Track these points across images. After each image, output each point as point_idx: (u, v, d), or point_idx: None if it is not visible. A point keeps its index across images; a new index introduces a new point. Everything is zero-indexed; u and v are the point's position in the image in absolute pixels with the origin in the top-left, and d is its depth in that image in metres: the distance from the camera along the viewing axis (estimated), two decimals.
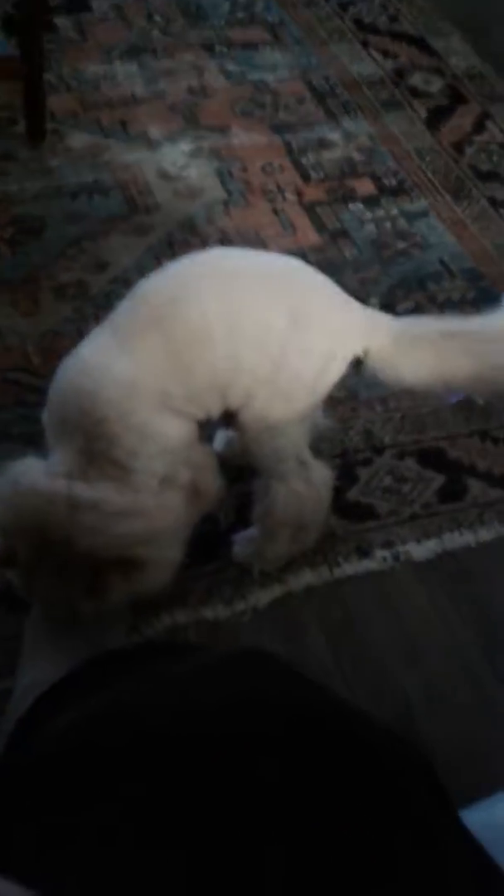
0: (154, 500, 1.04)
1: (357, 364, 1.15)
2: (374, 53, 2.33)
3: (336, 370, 1.13)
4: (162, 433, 1.07)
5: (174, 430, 1.09)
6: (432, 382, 1.16)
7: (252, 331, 1.08)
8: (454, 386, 1.19)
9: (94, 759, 0.65)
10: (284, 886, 0.58)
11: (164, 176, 1.89)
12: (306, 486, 1.19)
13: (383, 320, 1.18)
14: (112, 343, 1.07)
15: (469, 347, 1.14)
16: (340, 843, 0.60)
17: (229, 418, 1.16)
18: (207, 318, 1.06)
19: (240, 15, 2.39)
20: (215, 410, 1.14)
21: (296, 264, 1.17)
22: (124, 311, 1.10)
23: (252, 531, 1.27)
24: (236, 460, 1.29)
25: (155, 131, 2.00)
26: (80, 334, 1.23)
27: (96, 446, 1.02)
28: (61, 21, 2.26)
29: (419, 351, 1.15)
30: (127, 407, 1.04)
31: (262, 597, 1.26)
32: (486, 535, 1.38)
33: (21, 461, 1.05)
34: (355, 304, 1.17)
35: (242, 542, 1.28)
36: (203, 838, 0.60)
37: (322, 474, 1.21)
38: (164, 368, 1.06)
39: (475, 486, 1.45)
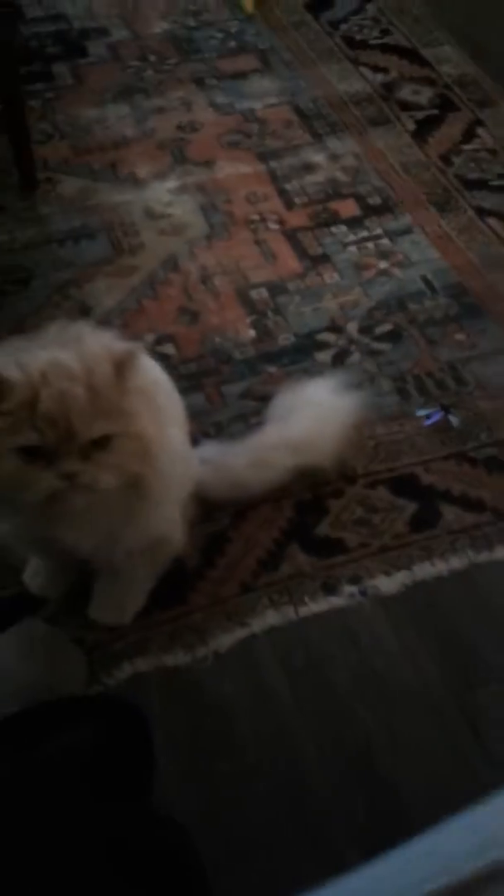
0: None
1: None
2: (364, 70, 2.23)
3: None
4: None
5: None
6: None
7: None
8: None
9: None
10: None
11: (150, 215, 1.85)
12: None
13: None
14: None
15: None
16: None
17: None
18: None
19: (231, 44, 2.32)
20: None
21: None
22: None
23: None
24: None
25: (143, 171, 1.95)
26: None
27: None
28: (58, 68, 2.24)
29: None
30: None
31: (224, 641, 1.20)
32: (457, 563, 1.29)
33: None
34: None
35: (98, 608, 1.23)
36: None
37: None
38: None
39: (449, 512, 1.36)
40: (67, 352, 0.92)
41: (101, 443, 0.92)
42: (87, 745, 0.92)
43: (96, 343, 0.94)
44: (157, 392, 1.05)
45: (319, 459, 1.34)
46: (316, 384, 1.41)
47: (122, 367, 0.91)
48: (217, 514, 1.33)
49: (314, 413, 1.34)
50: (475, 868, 0.71)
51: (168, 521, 1.10)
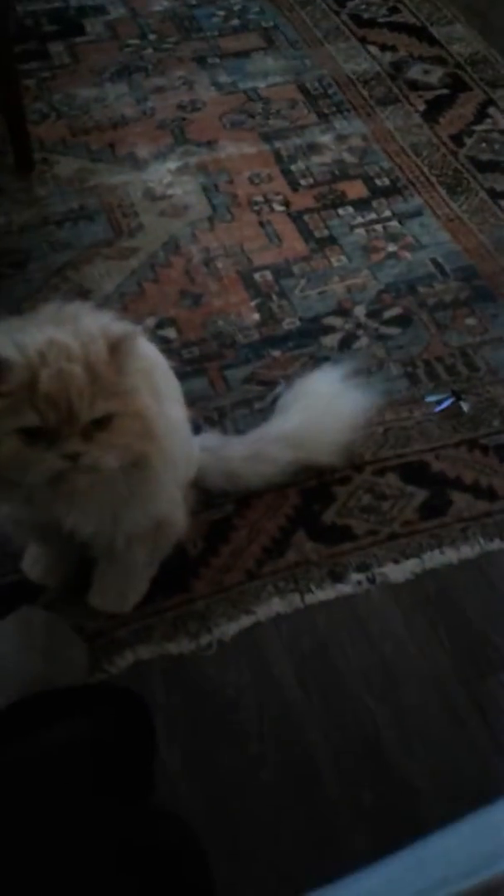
0: None
1: None
2: (372, 48, 2.25)
3: None
4: None
5: None
6: None
7: None
8: None
9: None
10: None
11: (150, 196, 1.87)
12: None
13: None
14: None
15: None
16: None
17: None
18: None
19: (234, 22, 2.34)
20: None
21: None
22: None
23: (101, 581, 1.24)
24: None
25: (143, 151, 1.97)
26: None
27: None
28: (55, 47, 2.26)
29: None
30: None
31: (229, 629, 1.22)
32: (468, 551, 1.31)
33: None
34: None
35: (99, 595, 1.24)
36: None
37: None
38: None
39: (460, 500, 1.38)
40: (64, 331, 0.94)
41: (103, 423, 0.94)
42: (88, 736, 0.94)
43: (94, 323, 0.96)
44: (154, 373, 1.06)
45: (318, 455, 1.35)
46: (320, 375, 1.42)
47: (119, 346, 0.93)
48: (221, 500, 1.34)
49: (314, 406, 1.35)
50: (493, 874, 0.73)
51: (171, 503, 1.11)
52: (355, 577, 1.28)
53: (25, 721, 1.00)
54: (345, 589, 1.27)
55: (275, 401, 1.47)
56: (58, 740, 0.92)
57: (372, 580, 1.28)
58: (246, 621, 1.23)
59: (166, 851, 0.84)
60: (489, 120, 2.06)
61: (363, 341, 1.60)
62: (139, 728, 1.00)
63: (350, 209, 1.85)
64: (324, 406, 1.36)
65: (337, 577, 1.28)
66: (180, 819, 0.90)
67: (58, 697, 1.06)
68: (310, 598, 1.26)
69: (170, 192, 1.88)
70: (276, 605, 1.25)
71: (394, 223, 1.82)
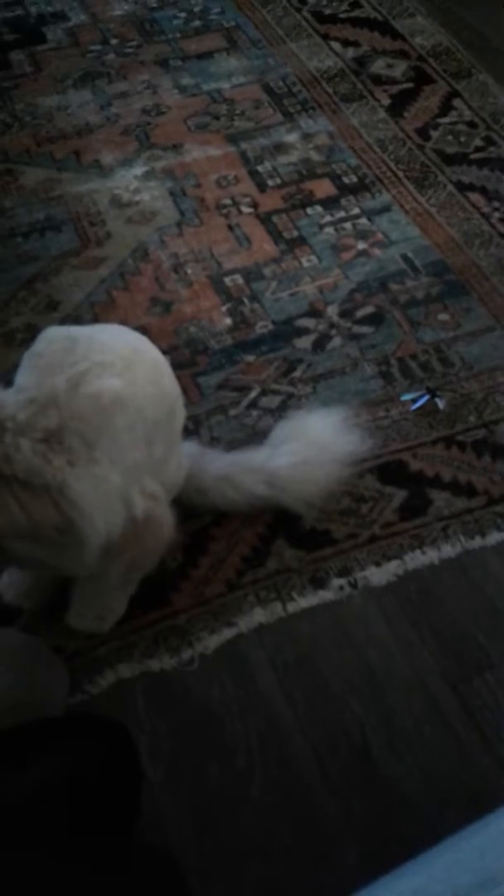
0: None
1: None
2: (335, 45, 2.23)
3: None
4: None
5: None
6: None
7: None
8: None
9: None
10: None
11: (117, 203, 1.83)
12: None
13: None
14: None
15: None
16: None
17: None
18: None
19: (195, 24, 2.31)
20: None
21: None
22: None
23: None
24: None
25: (108, 158, 1.94)
26: None
27: None
28: (16, 56, 2.22)
29: None
30: None
31: (211, 642, 1.19)
32: (449, 550, 1.29)
33: None
34: None
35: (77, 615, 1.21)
36: None
37: None
38: None
39: (439, 498, 1.35)
40: None
41: None
42: (67, 775, 0.91)
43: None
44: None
45: (291, 501, 1.29)
46: (321, 420, 1.35)
47: None
48: (198, 511, 1.32)
49: (304, 454, 1.29)
50: None
51: (107, 529, 1.06)
52: (337, 582, 1.26)
53: (4, 758, 0.97)
54: (327, 595, 1.25)
55: (250, 406, 1.44)
56: (34, 782, 0.89)
57: (354, 584, 1.26)
58: (228, 633, 1.20)
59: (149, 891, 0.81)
60: (454, 112, 2.04)
61: (336, 342, 1.57)
62: (122, 760, 0.97)
63: (318, 208, 1.82)
64: (314, 457, 1.29)
65: (318, 584, 1.26)
66: (163, 853, 0.88)
67: (36, 732, 1.02)
68: (292, 607, 1.23)
69: (137, 198, 1.84)
70: (258, 616, 1.22)
71: (363, 220, 1.79)
